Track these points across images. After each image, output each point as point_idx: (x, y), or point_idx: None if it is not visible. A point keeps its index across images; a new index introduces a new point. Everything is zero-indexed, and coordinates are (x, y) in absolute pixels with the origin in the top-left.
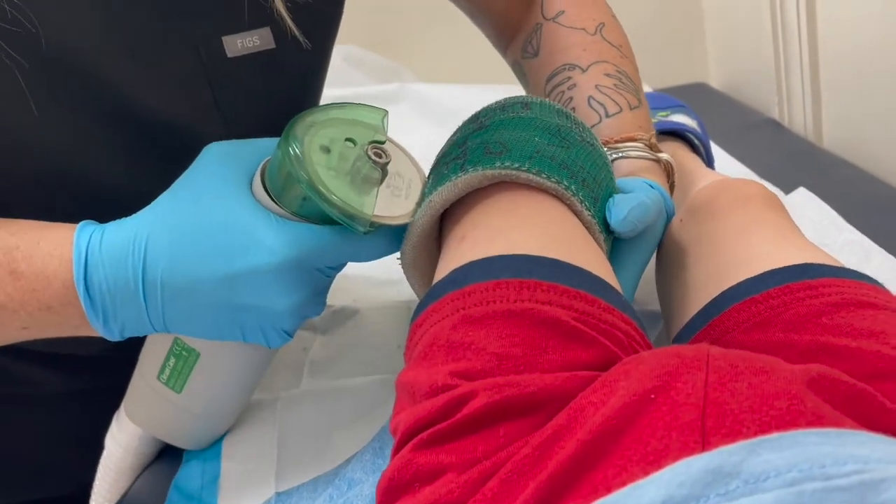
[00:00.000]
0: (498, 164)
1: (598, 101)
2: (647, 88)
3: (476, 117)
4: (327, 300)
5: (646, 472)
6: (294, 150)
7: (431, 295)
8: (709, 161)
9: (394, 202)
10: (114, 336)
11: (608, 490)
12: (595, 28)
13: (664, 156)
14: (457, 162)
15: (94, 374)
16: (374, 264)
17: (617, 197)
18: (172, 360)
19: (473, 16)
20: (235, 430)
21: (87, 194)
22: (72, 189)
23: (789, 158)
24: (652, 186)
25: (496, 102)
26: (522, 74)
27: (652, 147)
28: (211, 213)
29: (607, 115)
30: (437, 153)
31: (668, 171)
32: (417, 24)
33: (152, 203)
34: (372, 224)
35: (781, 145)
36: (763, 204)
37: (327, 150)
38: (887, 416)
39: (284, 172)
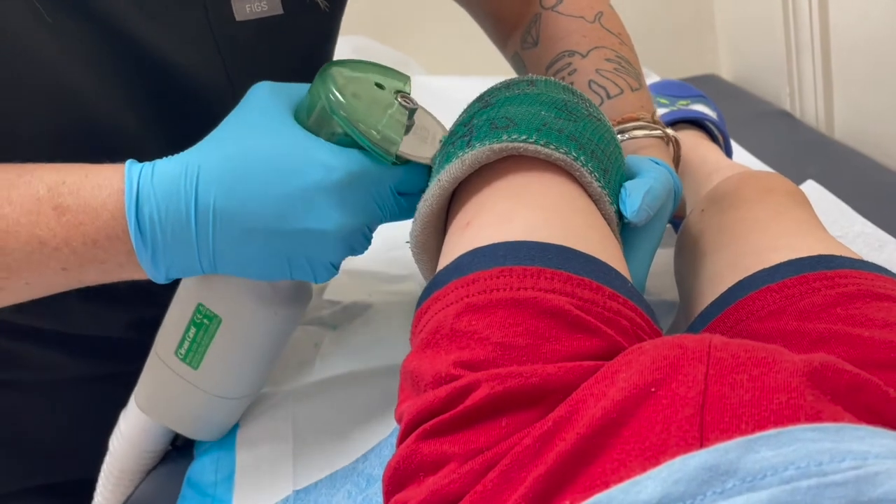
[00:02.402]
0: (505, 137)
1: (598, 84)
2: (656, 79)
3: (481, 97)
4: (336, 297)
5: (644, 468)
6: (330, 84)
7: (436, 282)
8: (727, 151)
9: (421, 146)
10: (159, 276)
11: (606, 485)
12: (594, 16)
13: (669, 131)
14: (463, 139)
15: (109, 359)
16: (382, 260)
17: (628, 185)
18: (192, 331)
19: (473, 11)
20: (249, 424)
21: (93, 140)
22: (76, 131)
23: (801, 149)
24: (658, 164)
25: (501, 82)
26: (522, 66)
27: (655, 124)
28: (263, 139)
29: (608, 97)
30: None
31: (674, 146)
32: (425, 16)
33: (205, 138)
34: (399, 158)
35: (793, 136)
36: (786, 197)
37: (358, 97)
38: (891, 405)
39: (318, 108)
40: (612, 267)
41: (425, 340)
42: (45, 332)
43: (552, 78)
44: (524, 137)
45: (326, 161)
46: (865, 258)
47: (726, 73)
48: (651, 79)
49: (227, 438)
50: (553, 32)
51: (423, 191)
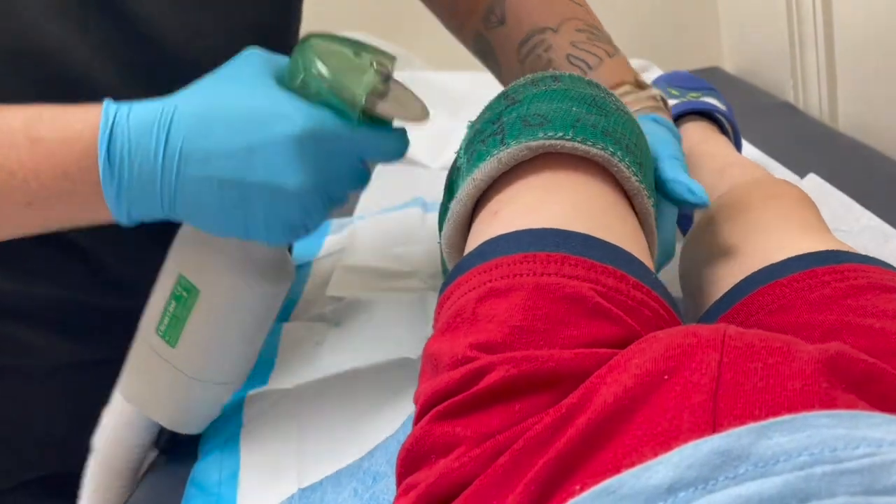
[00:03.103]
0: (541, 134)
1: (577, 58)
2: (658, 72)
3: (506, 94)
4: (339, 294)
5: (655, 453)
6: (308, 48)
7: (460, 268)
8: (737, 145)
9: (393, 109)
10: (121, 213)
11: (617, 470)
12: None
13: (655, 91)
14: (495, 137)
15: (102, 343)
16: (385, 256)
17: (680, 178)
18: (173, 305)
19: None
20: (252, 423)
21: (70, 90)
22: (57, 94)
23: (804, 141)
24: (658, 121)
25: (524, 79)
26: (489, 48)
27: (640, 86)
28: (238, 90)
29: (589, 68)
30: (448, 140)
31: (663, 103)
32: (426, 11)
33: (187, 86)
34: (365, 114)
35: (796, 128)
36: (793, 202)
37: (335, 59)
38: None
39: (296, 70)
40: (637, 257)
41: (446, 324)
42: (36, 312)
43: (575, 74)
44: (560, 134)
45: (291, 114)
46: (871, 252)
47: (729, 65)
48: (654, 72)
49: (231, 437)
50: (519, 8)
51: (391, 157)
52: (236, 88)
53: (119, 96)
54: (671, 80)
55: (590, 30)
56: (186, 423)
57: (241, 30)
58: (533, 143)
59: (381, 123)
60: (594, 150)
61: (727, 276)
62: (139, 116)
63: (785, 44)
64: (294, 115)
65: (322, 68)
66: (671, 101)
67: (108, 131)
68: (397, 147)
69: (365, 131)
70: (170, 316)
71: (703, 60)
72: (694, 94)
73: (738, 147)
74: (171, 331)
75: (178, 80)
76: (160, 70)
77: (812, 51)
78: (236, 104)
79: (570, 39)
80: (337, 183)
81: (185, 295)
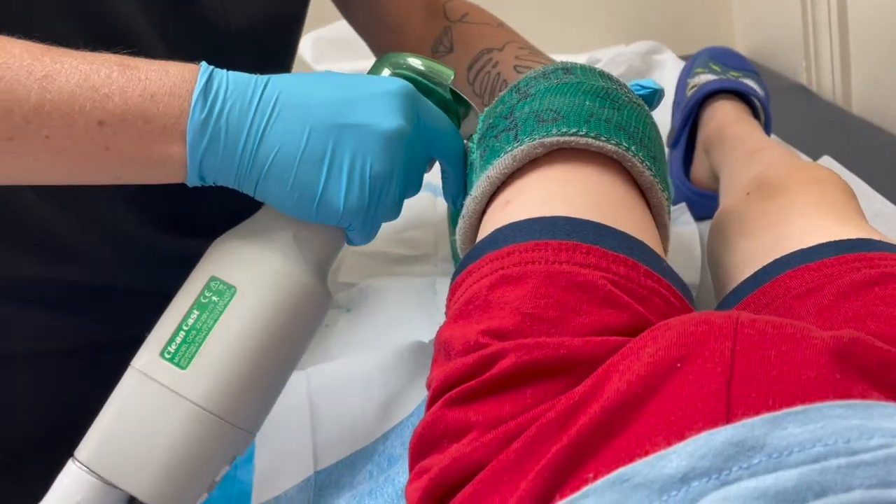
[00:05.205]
0: (554, 130)
1: (523, 66)
2: (671, 55)
3: (517, 88)
4: (351, 279)
5: (669, 442)
6: (385, 56)
7: (472, 255)
8: (767, 130)
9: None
10: (195, 157)
11: (630, 459)
12: (497, 23)
13: None
14: (508, 133)
15: (106, 320)
16: (395, 241)
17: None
18: (194, 316)
19: (370, 28)
20: None
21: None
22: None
23: (817, 124)
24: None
25: (535, 71)
26: None
27: None
28: (328, 75)
29: None
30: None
31: None
32: None
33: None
34: (455, 94)
35: (809, 111)
36: (834, 188)
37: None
38: None
39: (381, 70)
40: (648, 246)
41: (459, 311)
42: (36, 290)
43: (587, 65)
44: (574, 130)
45: (390, 81)
46: (882, 239)
47: (741, 46)
48: (664, 54)
49: None
50: (467, 38)
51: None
52: (326, 74)
53: (163, 58)
54: (715, 56)
55: (530, 47)
56: (172, 496)
57: (275, 18)
58: (547, 140)
59: (462, 108)
60: (609, 146)
61: (758, 256)
62: (236, 74)
63: (798, 25)
64: (393, 81)
65: (412, 60)
66: (709, 77)
67: (207, 72)
68: (476, 124)
69: (454, 107)
70: (187, 330)
71: (714, 41)
72: (735, 74)
73: (768, 132)
74: (187, 348)
75: (220, 57)
76: (201, 43)
77: (826, 32)
78: (332, 76)
79: (514, 55)
80: (425, 145)
81: (214, 300)
